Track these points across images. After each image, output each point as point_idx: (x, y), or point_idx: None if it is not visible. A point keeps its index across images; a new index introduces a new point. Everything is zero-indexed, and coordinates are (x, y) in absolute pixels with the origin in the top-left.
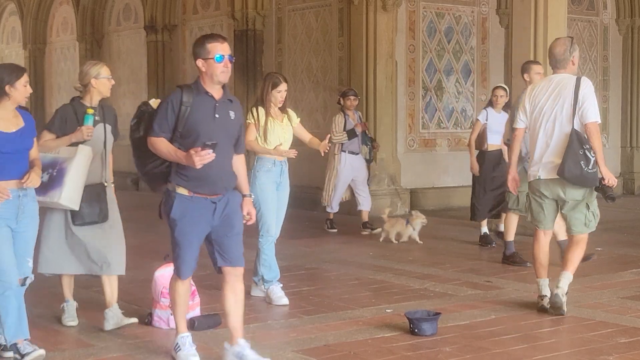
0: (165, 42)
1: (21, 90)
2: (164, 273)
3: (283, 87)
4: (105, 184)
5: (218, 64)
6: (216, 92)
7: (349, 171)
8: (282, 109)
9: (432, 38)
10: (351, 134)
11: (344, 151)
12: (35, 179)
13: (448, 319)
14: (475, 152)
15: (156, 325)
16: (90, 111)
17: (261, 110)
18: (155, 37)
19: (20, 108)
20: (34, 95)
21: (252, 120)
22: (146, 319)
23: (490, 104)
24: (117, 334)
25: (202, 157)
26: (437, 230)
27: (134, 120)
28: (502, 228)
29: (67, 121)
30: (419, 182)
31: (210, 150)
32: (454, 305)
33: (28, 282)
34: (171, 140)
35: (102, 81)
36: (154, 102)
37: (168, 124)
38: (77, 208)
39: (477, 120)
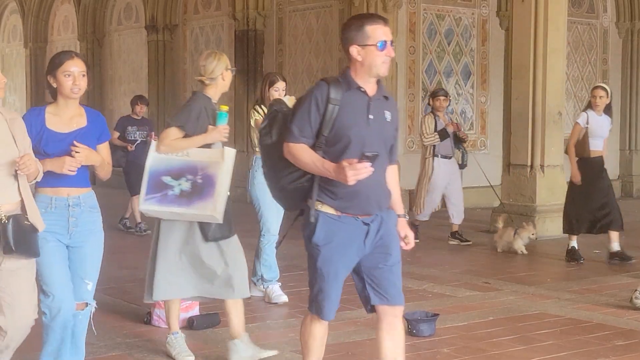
0: (166, 42)
1: (62, 81)
2: None
3: (280, 85)
4: (228, 194)
5: (380, 52)
6: (370, 88)
7: (443, 177)
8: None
9: (433, 40)
10: (443, 134)
11: (437, 155)
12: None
13: (446, 320)
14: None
15: (155, 324)
16: (226, 108)
17: (263, 108)
18: (156, 36)
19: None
20: (35, 95)
21: (259, 117)
22: (145, 318)
23: (590, 106)
24: (116, 333)
25: (358, 171)
26: (435, 232)
27: (264, 123)
28: (616, 247)
29: (200, 118)
30: None
31: (369, 163)
32: (452, 306)
33: (89, 310)
34: (313, 148)
35: (229, 74)
36: (290, 100)
37: (311, 127)
38: (221, 220)
39: (577, 123)
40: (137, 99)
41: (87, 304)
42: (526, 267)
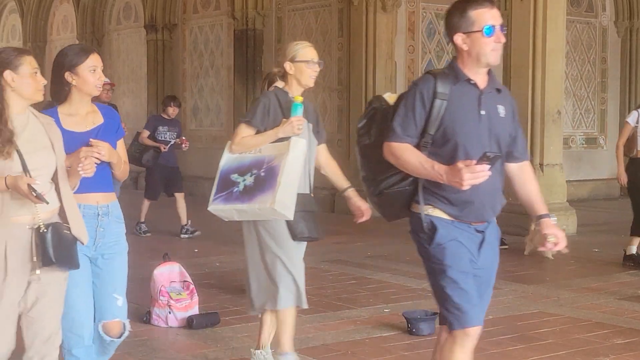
0: (165, 41)
1: (87, 77)
2: (163, 272)
3: (280, 84)
4: (312, 195)
5: (488, 38)
6: (480, 79)
7: None
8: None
9: (432, 39)
10: None
11: None
12: (92, 165)
13: None
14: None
15: (154, 323)
16: (299, 99)
17: None
18: (155, 36)
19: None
20: None
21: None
22: (144, 317)
23: None
24: None
25: (476, 175)
26: None
27: (362, 121)
28: (633, 250)
29: (270, 113)
30: None
31: (489, 166)
32: None
33: (124, 334)
34: (417, 147)
35: (299, 66)
36: (390, 97)
37: (415, 125)
38: (291, 217)
39: (626, 122)
40: (170, 100)
41: (122, 325)
42: (525, 266)
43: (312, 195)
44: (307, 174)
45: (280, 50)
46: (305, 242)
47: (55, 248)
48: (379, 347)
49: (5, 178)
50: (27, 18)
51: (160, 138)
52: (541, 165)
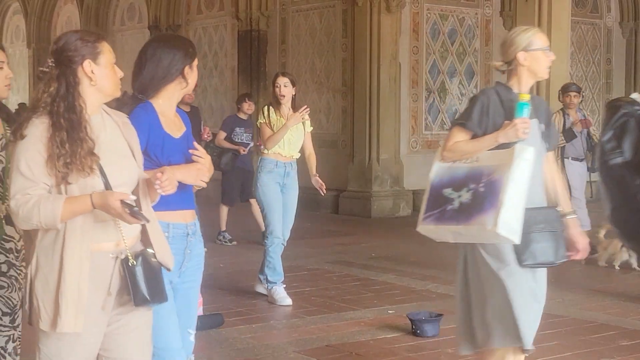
0: None
1: (190, 74)
2: None
3: (281, 80)
4: (560, 210)
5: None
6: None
7: (578, 180)
8: (294, 110)
9: (436, 40)
10: (569, 135)
11: (567, 157)
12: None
13: (450, 320)
14: None
15: None
16: (526, 97)
17: (270, 109)
18: None
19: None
20: None
21: (263, 120)
22: None
23: None
24: None
25: None
26: None
27: (607, 133)
28: None
29: (489, 113)
30: (422, 183)
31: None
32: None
33: None
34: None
35: (535, 55)
36: None
37: None
38: (518, 240)
39: None
40: (245, 96)
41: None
42: None
43: (556, 209)
44: (540, 184)
45: (283, 51)
46: (543, 270)
47: (147, 283)
48: (383, 349)
49: (91, 196)
50: (31, 19)
51: (237, 140)
52: None
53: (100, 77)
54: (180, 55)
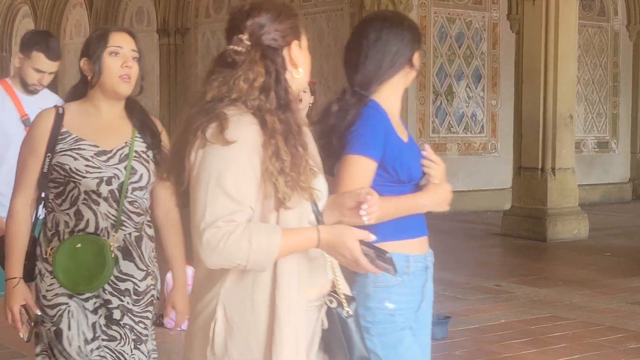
0: (177, 45)
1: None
2: None
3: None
4: None
5: None
6: None
7: None
8: (310, 119)
9: (443, 43)
10: None
11: None
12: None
13: (458, 322)
14: None
15: (168, 326)
16: None
17: None
18: (168, 40)
19: None
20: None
21: None
22: (157, 320)
23: None
24: None
25: None
26: (446, 235)
27: None
28: None
29: None
30: None
31: None
32: (464, 309)
33: None
34: None
35: None
36: None
37: None
38: None
39: None
40: None
41: None
42: (537, 269)
43: None
44: None
45: None
46: None
47: (362, 338)
48: None
49: (319, 230)
50: (40, 22)
51: None
52: (553, 169)
53: (304, 65)
54: (409, 38)
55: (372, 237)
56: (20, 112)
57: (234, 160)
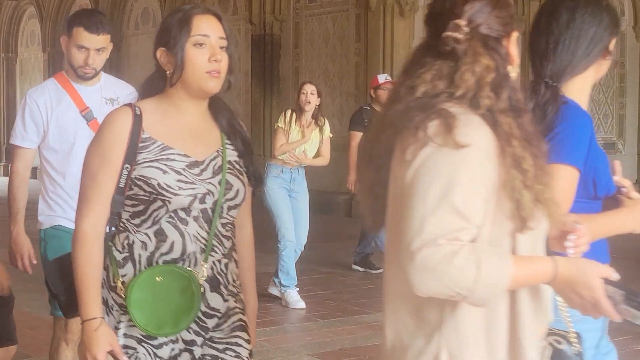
0: None
1: None
2: None
3: (308, 88)
4: None
5: None
6: None
7: None
8: (316, 120)
9: None
10: None
11: None
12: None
13: None
14: None
15: None
16: None
17: (293, 116)
18: None
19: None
20: None
21: (282, 125)
22: None
23: None
24: None
25: None
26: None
27: None
28: None
29: None
30: None
31: None
32: None
33: None
34: None
35: None
36: None
37: None
38: None
39: None
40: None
41: None
42: None
43: None
44: None
45: (296, 55)
46: None
47: None
48: None
49: (557, 262)
50: (46, 23)
51: None
52: None
53: (516, 59)
54: (608, 20)
55: (616, 276)
56: (80, 106)
57: (466, 167)
